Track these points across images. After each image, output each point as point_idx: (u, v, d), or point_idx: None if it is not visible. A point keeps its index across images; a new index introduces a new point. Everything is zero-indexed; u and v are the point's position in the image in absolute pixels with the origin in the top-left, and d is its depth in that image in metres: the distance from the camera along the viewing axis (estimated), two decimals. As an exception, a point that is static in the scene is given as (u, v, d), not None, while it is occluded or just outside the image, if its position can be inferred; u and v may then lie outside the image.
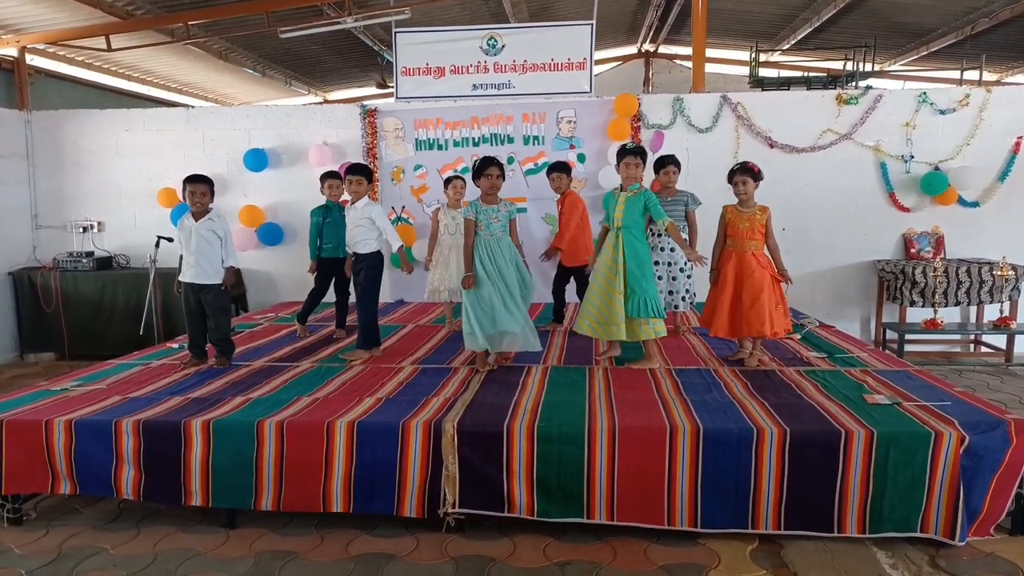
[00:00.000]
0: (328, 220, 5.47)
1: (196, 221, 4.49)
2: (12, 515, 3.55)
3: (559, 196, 5.56)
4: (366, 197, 4.85)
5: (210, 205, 4.55)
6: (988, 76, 11.67)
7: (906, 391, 3.77)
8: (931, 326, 6.26)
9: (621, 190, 4.40)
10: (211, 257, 4.49)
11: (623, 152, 4.38)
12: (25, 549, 3.30)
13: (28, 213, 7.61)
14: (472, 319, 4.30)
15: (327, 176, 5.59)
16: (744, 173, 4.43)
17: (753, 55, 11.53)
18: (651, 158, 6.18)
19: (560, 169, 5.53)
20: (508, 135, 7.16)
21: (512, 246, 4.48)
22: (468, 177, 6.02)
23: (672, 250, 5.36)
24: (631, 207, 4.33)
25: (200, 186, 4.49)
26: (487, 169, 4.36)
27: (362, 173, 4.82)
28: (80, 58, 9.16)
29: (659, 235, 5.37)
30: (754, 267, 4.40)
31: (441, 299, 5.78)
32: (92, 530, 3.48)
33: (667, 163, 5.36)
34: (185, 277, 4.51)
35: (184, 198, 4.59)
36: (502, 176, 4.43)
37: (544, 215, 7.09)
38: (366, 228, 4.75)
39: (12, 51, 7.79)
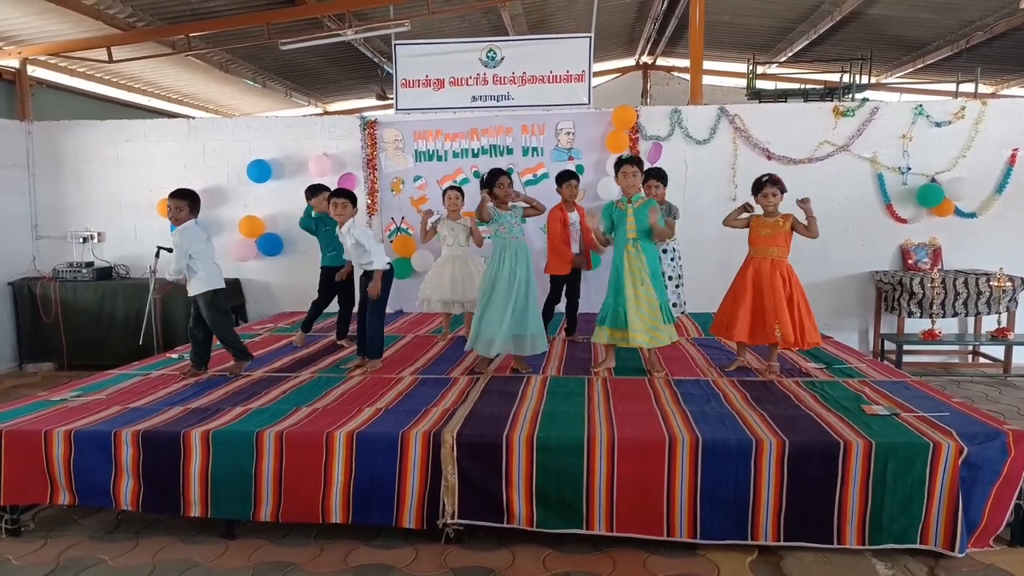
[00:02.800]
0: (326, 228, 5.47)
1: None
2: (10, 526, 3.54)
3: (572, 206, 5.56)
4: (351, 220, 4.74)
5: (191, 218, 4.49)
6: (984, 89, 11.75)
7: (904, 402, 3.78)
8: (929, 337, 6.27)
9: (628, 201, 4.45)
10: (188, 269, 4.47)
11: (620, 162, 4.44)
12: (23, 560, 3.29)
13: (28, 223, 7.62)
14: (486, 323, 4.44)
15: (319, 189, 5.63)
16: (774, 184, 4.44)
17: (750, 67, 11.61)
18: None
19: (578, 177, 5.62)
20: (507, 146, 7.20)
21: (528, 248, 4.62)
22: (467, 188, 6.11)
23: (672, 260, 5.44)
24: (640, 216, 4.40)
25: (175, 200, 4.46)
26: (499, 179, 4.54)
27: (346, 196, 4.74)
28: (81, 69, 9.20)
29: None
30: (774, 274, 4.39)
31: (433, 309, 5.80)
32: (90, 541, 3.48)
33: (650, 177, 5.44)
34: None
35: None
36: (511, 185, 4.59)
37: (542, 226, 7.09)
38: (362, 251, 4.72)
39: (14, 62, 7.83)
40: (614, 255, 4.52)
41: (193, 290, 4.51)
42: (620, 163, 4.46)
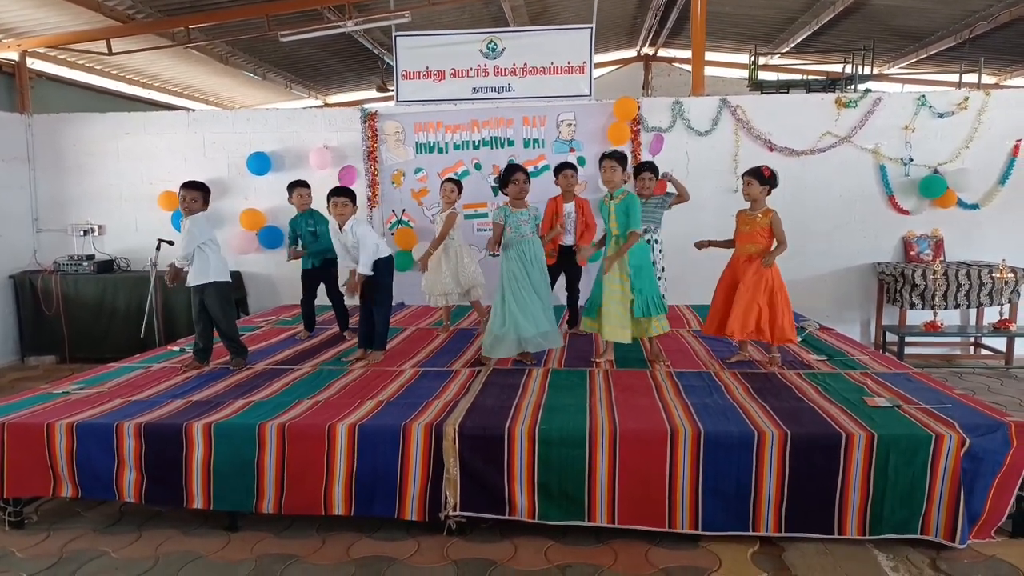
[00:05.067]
0: (310, 229, 5.56)
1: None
2: (13, 518, 3.55)
3: (570, 196, 5.55)
4: (352, 219, 4.71)
5: (204, 209, 4.55)
6: (987, 79, 11.69)
7: (906, 393, 3.78)
8: (931, 329, 6.27)
9: (610, 197, 4.45)
10: (200, 258, 4.49)
11: (601, 156, 4.52)
12: (26, 552, 3.30)
13: (29, 216, 7.62)
14: (502, 323, 4.45)
15: (296, 185, 5.65)
16: (748, 174, 4.47)
17: (752, 58, 11.56)
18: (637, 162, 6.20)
19: (574, 168, 5.63)
20: (508, 138, 7.18)
21: (541, 247, 4.64)
22: (467, 181, 6.09)
23: (661, 251, 5.45)
24: (619, 214, 4.40)
25: (190, 192, 4.50)
26: (514, 175, 4.54)
27: (346, 195, 4.70)
28: (81, 62, 9.17)
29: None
30: (746, 270, 4.45)
31: (435, 303, 5.82)
32: (93, 533, 3.49)
33: (643, 169, 5.47)
34: (188, 281, 4.54)
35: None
36: (528, 181, 4.61)
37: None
38: (357, 250, 4.68)
39: (13, 55, 7.81)
40: (605, 248, 4.55)
41: (202, 279, 4.50)
42: (601, 157, 4.51)
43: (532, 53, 7.05)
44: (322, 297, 5.71)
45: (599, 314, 4.48)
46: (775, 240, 4.46)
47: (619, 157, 4.45)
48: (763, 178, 4.43)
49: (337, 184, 5.19)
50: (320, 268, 5.57)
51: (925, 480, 3.15)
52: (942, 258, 6.84)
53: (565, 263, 5.58)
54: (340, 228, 4.71)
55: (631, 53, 15.90)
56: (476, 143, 7.21)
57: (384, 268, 4.78)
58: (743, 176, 4.52)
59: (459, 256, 5.61)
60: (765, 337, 4.43)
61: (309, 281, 5.65)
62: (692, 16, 7.55)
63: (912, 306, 6.52)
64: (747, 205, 4.57)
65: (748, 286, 4.40)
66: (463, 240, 5.75)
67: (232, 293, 4.74)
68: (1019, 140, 6.81)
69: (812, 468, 3.17)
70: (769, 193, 4.47)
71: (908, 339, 6.49)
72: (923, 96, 6.89)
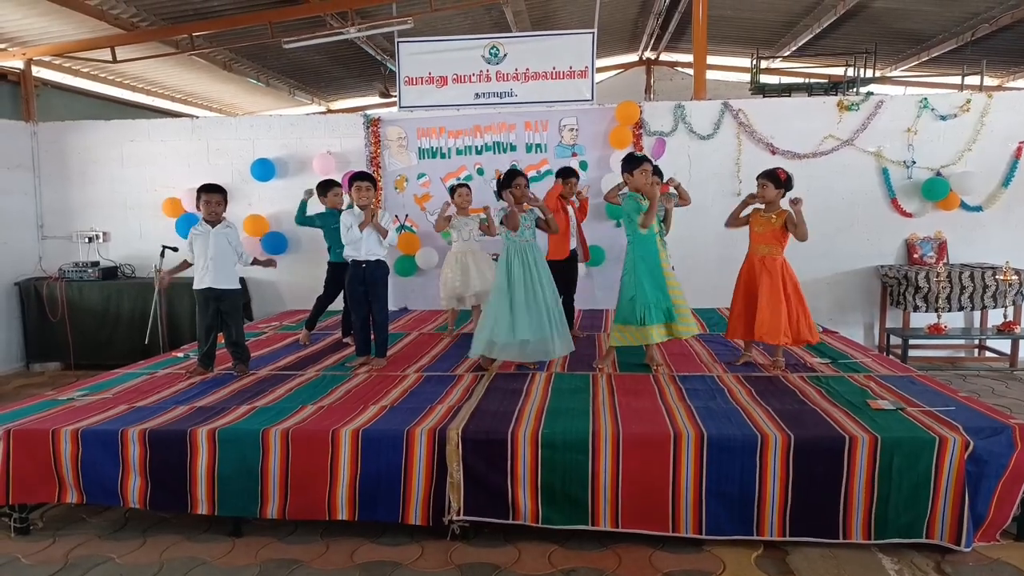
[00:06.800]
0: (335, 226, 5.47)
1: (213, 227, 4.59)
2: (19, 525, 3.56)
3: (577, 201, 5.62)
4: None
5: (224, 215, 4.67)
6: (989, 81, 11.69)
7: (910, 396, 3.77)
8: (935, 331, 6.25)
9: (644, 197, 4.44)
10: (229, 262, 4.62)
11: (638, 159, 4.43)
12: (32, 559, 3.31)
13: (34, 224, 7.66)
14: (490, 324, 4.43)
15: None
16: (764, 176, 4.45)
17: (754, 62, 11.58)
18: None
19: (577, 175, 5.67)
20: (511, 143, 7.20)
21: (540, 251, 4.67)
22: (472, 185, 6.10)
23: None
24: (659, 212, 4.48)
25: (215, 195, 4.61)
26: (515, 180, 4.56)
27: (370, 180, 4.83)
28: (85, 70, 9.23)
29: None
30: (760, 272, 4.42)
31: (451, 305, 5.83)
32: (98, 539, 3.49)
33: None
34: (203, 283, 4.56)
35: (198, 207, 4.65)
36: (527, 186, 4.64)
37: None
38: (377, 234, 4.77)
39: (18, 63, 7.87)
40: (643, 250, 4.37)
41: (229, 283, 4.62)
42: (639, 160, 4.40)
43: (534, 58, 7.08)
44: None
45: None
46: (796, 231, 4.35)
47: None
48: (778, 181, 4.40)
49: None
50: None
51: (929, 483, 3.14)
52: (945, 260, 6.83)
53: (560, 267, 5.56)
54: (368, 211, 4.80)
55: (633, 58, 15.94)
56: (479, 148, 7.23)
57: (387, 270, 4.90)
58: (758, 179, 4.49)
59: (477, 260, 5.67)
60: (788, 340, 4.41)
61: (336, 277, 5.50)
62: (694, 20, 7.57)
63: (916, 309, 6.51)
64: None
65: (765, 291, 4.38)
66: (479, 245, 5.78)
67: None
68: (1022, 142, 6.79)
69: (816, 471, 3.17)
70: (784, 195, 4.45)
71: (912, 342, 6.48)
72: (925, 99, 6.89)
